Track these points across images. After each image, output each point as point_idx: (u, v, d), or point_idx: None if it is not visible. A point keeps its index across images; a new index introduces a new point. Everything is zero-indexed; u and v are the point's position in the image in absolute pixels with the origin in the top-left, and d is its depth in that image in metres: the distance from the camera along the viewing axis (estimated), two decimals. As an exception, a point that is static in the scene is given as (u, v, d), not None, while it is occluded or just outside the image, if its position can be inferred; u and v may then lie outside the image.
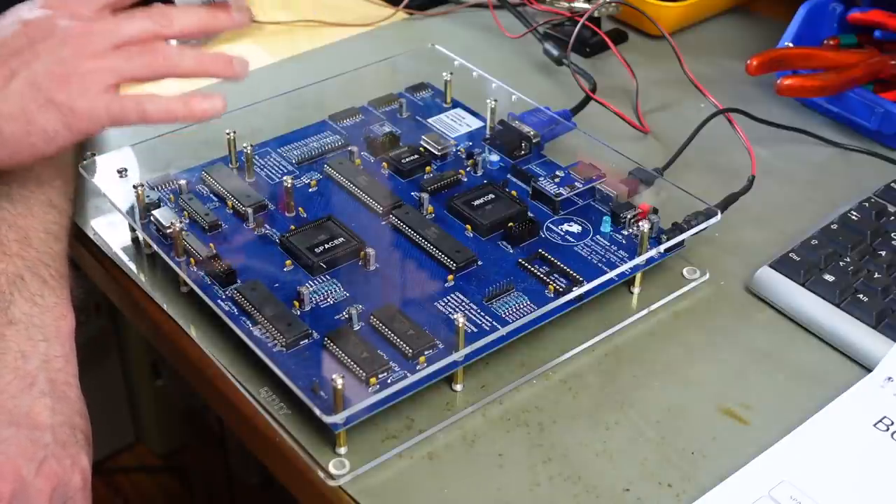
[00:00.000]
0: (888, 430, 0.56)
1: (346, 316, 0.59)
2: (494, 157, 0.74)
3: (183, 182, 0.69)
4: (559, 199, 0.68)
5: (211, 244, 0.64)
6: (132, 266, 0.67)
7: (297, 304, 0.60)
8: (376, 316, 0.59)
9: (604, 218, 0.67)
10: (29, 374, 0.55)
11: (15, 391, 0.55)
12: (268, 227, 0.66)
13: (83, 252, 0.70)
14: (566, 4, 0.91)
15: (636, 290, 0.65)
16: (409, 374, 0.56)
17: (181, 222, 0.64)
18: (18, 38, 0.57)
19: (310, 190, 0.70)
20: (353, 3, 1.00)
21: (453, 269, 0.63)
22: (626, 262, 0.64)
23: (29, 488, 0.52)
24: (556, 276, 0.63)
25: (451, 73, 0.80)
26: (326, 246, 0.64)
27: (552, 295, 0.62)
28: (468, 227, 0.67)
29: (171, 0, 0.59)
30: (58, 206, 0.64)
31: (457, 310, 0.60)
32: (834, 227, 0.68)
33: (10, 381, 0.55)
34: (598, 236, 0.66)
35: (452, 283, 0.62)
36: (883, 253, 0.66)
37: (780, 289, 0.64)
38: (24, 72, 0.56)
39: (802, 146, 0.80)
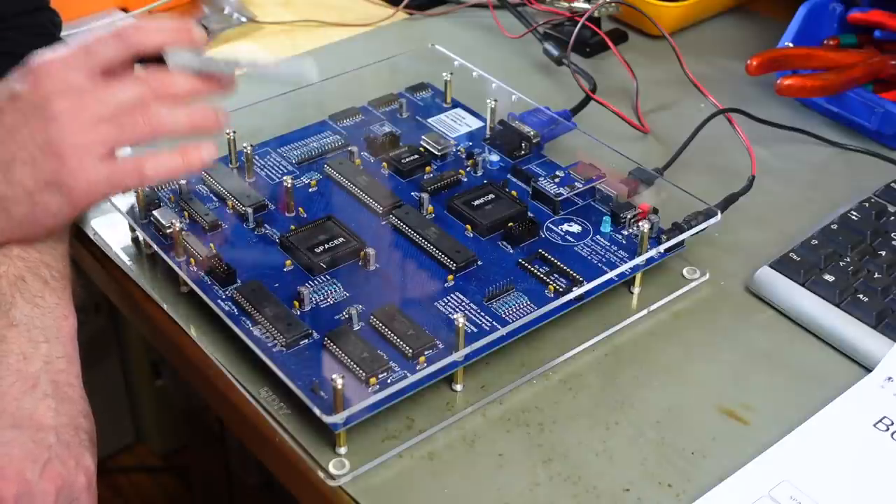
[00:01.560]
0: (888, 430, 0.56)
1: (346, 316, 0.59)
2: (494, 157, 0.74)
3: (183, 182, 0.69)
4: (559, 199, 0.68)
5: (211, 244, 0.64)
6: (132, 266, 0.67)
7: (297, 304, 0.60)
8: (376, 316, 0.59)
9: (604, 218, 0.67)
10: (31, 376, 0.55)
11: (17, 393, 0.55)
12: (268, 227, 0.66)
13: (83, 252, 0.70)
14: (566, 4, 0.91)
15: (636, 290, 0.65)
16: (409, 374, 0.56)
17: (181, 222, 0.64)
18: (12, 114, 0.57)
19: (310, 190, 0.70)
20: (353, 3, 1.00)
21: (453, 269, 0.63)
22: (626, 262, 0.64)
23: (33, 490, 0.52)
24: (556, 276, 0.63)
25: (451, 73, 0.80)
26: (326, 246, 0.64)
27: (552, 295, 0.62)
28: (468, 227, 0.67)
29: (162, 61, 0.60)
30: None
31: (457, 310, 0.60)
32: (834, 227, 0.68)
33: (13, 383, 0.55)
34: (598, 236, 0.66)
35: (452, 283, 0.62)
36: (883, 253, 0.66)
37: (780, 289, 0.64)
38: (21, 154, 0.57)
39: (802, 146, 0.80)
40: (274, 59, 0.60)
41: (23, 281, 0.59)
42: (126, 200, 0.67)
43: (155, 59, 0.60)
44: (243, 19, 0.96)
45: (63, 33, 0.76)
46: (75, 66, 0.58)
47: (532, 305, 0.61)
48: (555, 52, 0.87)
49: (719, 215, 0.67)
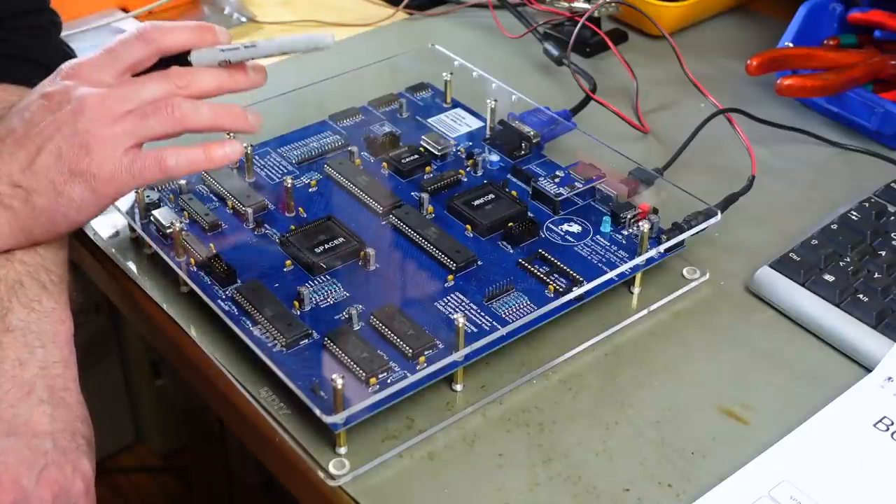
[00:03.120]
0: (888, 430, 0.56)
1: (346, 316, 0.59)
2: (494, 157, 0.74)
3: (183, 182, 0.69)
4: (559, 199, 0.68)
5: (211, 244, 0.64)
6: (132, 266, 0.67)
7: (297, 304, 0.60)
8: (376, 316, 0.59)
9: (604, 218, 0.67)
10: (27, 382, 0.55)
11: (13, 400, 0.54)
12: (268, 227, 0.66)
13: (83, 252, 0.70)
14: (566, 4, 0.91)
15: (636, 290, 0.65)
16: (409, 374, 0.56)
17: (181, 222, 0.64)
18: (41, 111, 0.59)
19: (310, 190, 0.70)
20: (353, 3, 1.00)
21: (453, 269, 0.63)
22: (626, 262, 0.64)
23: (30, 497, 0.52)
24: (556, 276, 0.63)
25: (451, 73, 0.80)
26: (326, 246, 0.64)
27: (552, 295, 0.62)
28: (468, 227, 0.67)
29: (188, 62, 0.61)
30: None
31: (457, 310, 0.60)
32: (834, 227, 0.68)
33: (8, 389, 0.54)
34: (598, 236, 0.66)
35: (452, 283, 0.62)
36: (883, 253, 0.66)
37: (780, 289, 0.64)
38: (49, 145, 0.57)
39: (802, 146, 0.80)
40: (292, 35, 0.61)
41: (20, 285, 0.59)
42: (126, 200, 0.67)
43: (177, 59, 0.61)
44: (243, 19, 0.96)
45: (63, 33, 0.76)
46: (102, 67, 0.60)
47: (532, 305, 0.61)
48: (555, 52, 0.87)
49: (719, 215, 0.67)
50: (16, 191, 0.58)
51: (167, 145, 0.60)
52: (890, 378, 0.59)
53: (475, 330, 0.59)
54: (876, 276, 0.64)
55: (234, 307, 0.60)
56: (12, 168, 0.58)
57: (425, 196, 0.68)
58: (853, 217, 0.68)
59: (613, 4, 0.89)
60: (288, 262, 0.63)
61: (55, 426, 0.55)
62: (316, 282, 0.62)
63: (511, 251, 0.65)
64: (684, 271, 0.67)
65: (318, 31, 0.61)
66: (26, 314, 0.58)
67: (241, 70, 0.62)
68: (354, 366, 0.56)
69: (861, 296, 0.62)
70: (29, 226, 0.59)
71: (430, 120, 0.78)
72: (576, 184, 0.69)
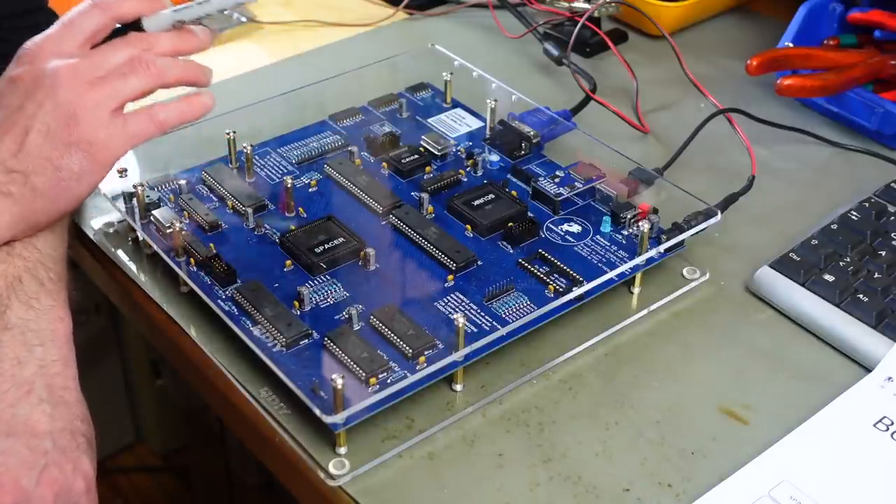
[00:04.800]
0: (888, 430, 0.56)
1: (346, 316, 0.59)
2: (494, 157, 0.74)
3: (183, 182, 0.69)
4: (559, 199, 0.68)
5: (211, 244, 0.64)
6: (132, 266, 0.67)
7: (297, 304, 0.60)
8: (376, 316, 0.59)
9: (604, 218, 0.67)
10: (26, 382, 0.55)
11: (12, 400, 0.54)
12: (268, 227, 0.66)
13: (83, 252, 0.70)
14: (566, 4, 0.91)
15: (636, 290, 0.65)
16: (409, 374, 0.56)
17: (181, 222, 0.64)
18: (14, 95, 0.59)
19: (310, 190, 0.70)
20: (353, 3, 1.00)
21: (453, 269, 0.63)
22: (626, 262, 0.64)
23: (31, 498, 0.52)
24: (556, 276, 0.63)
25: (451, 73, 0.80)
26: (326, 246, 0.64)
27: (552, 295, 0.62)
28: (468, 227, 0.67)
29: (141, 27, 0.63)
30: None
31: (457, 310, 0.60)
32: (834, 227, 0.68)
33: (7, 389, 0.54)
34: (598, 236, 0.66)
35: (452, 283, 0.62)
36: (883, 253, 0.66)
37: (780, 289, 0.64)
38: (35, 124, 0.58)
39: (802, 146, 0.80)
40: None
41: (19, 282, 0.58)
42: (126, 200, 0.67)
43: (131, 27, 0.63)
44: (243, 19, 0.96)
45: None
46: (63, 40, 0.60)
47: (532, 305, 0.61)
48: (555, 52, 0.87)
49: (719, 215, 0.67)
50: (11, 176, 0.57)
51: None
52: (890, 378, 0.59)
53: (475, 330, 0.59)
54: (876, 276, 0.64)
55: (234, 307, 0.60)
56: (3, 155, 0.57)
57: (425, 196, 0.68)
58: (853, 217, 0.68)
59: (613, 4, 0.89)
60: (288, 262, 0.63)
61: (55, 425, 0.54)
62: (316, 282, 0.62)
63: (511, 251, 0.65)
64: (684, 271, 0.67)
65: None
66: (24, 312, 0.57)
67: (190, 33, 0.63)
68: (354, 366, 0.56)
69: (861, 296, 0.62)
70: (30, 210, 0.58)
71: (430, 120, 0.78)
72: (576, 184, 0.69)
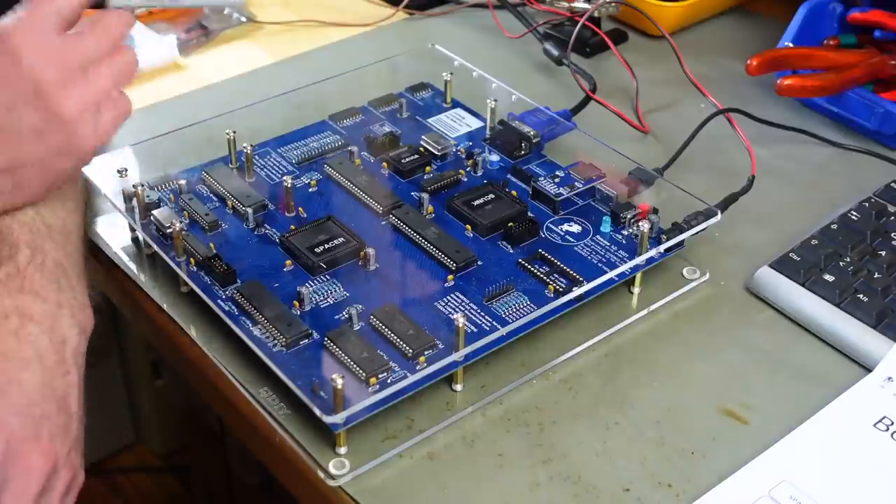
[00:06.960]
0: (888, 430, 0.56)
1: (346, 316, 0.59)
2: (494, 157, 0.74)
3: (183, 182, 0.69)
4: (559, 199, 0.68)
5: (211, 244, 0.64)
6: (132, 266, 0.67)
7: (297, 304, 0.60)
8: (376, 316, 0.59)
9: (604, 218, 0.67)
10: (65, 362, 0.54)
11: (56, 373, 0.53)
12: (268, 227, 0.66)
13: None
14: (566, 4, 0.91)
15: (636, 290, 0.65)
16: (409, 374, 0.56)
17: (181, 222, 0.64)
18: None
19: (310, 190, 0.70)
20: (353, 3, 1.00)
21: (453, 269, 0.63)
22: (626, 262, 0.64)
23: (59, 468, 0.52)
24: (556, 276, 0.63)
25: (451, 73, 0.80)
26: (326, 246, 0.64)
27: (552, 295, 0.62)
28: (468, 227, 0.67)
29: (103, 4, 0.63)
30: (82, 210, 0.64)
31: (457, 310, 0.60)
32: (834, 227, 0.68)
33: (54, 361, 0.54)
34: (598, 236, 0.66)
35: (452, 283, 0.62)
36: (883, 253, 0.66)
37: (780, 289, 0.64)
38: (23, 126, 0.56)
39: (802, 146, 0.80)
40: None
41: (63, 268, 0.57)
42: (126, 201, 0.67)
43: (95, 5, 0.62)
44: (243, 19, 0.96)
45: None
46: (43, 26, 0.57)
47: (532, 305, 0.61)
48: (555, 52, 0.87)
49: (719, 215, 0.67)
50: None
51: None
52: (890, 378, 0.59)
53: (475, 330, 0.59)
54: (876, 276, 0.64)
55: (234, 307, 0.60)
56: None
57: (425, 196, 0.68)
58: (853, 217, 0.68)
59: (613, 4, 0.89)
60: (288, 262, 0.63)
61: (79, 412, 0.55)
62: (316, 282, 0.62)
63: (511, 251, 0.65)
64: (684, 271, 0.67)
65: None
66: (69, 298, 0.56)
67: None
68: (354, 366, 0.56)
69: (861, 296, 0.62)
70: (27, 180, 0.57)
71: (430, 120, 0.78)
72: (576, 184, 0.69)
